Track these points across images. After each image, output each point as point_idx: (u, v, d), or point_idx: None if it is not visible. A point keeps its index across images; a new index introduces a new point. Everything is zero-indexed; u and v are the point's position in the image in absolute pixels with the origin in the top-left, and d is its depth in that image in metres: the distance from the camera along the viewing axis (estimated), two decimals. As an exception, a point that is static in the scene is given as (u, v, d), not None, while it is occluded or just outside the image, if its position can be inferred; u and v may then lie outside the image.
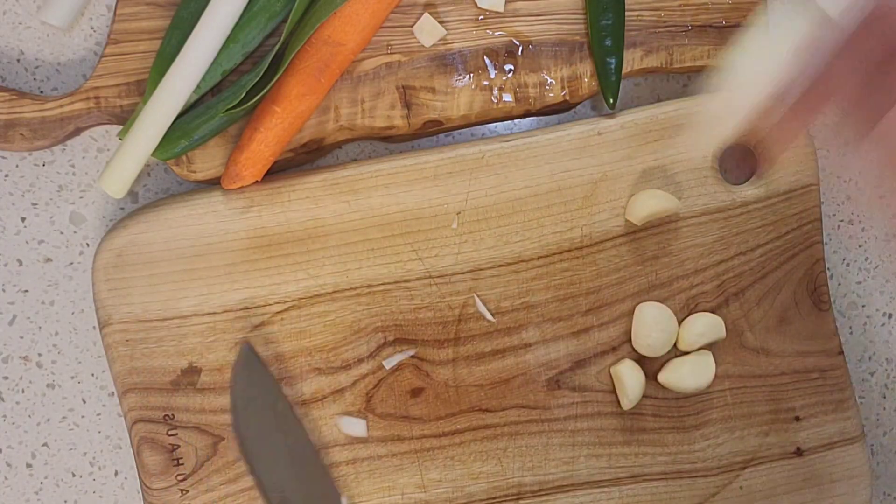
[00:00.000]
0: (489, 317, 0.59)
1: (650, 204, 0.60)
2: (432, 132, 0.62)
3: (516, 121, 0.64)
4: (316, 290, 0.59)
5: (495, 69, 0.61)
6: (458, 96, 0.61)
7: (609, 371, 0.61)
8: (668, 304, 0.61)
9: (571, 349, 0.61)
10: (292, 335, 0.59)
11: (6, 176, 0.62)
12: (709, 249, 0.62)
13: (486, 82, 0.61)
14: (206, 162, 0.59)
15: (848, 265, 0.67)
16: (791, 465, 0.62)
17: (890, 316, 0.68)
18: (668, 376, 0.60)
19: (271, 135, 0.57)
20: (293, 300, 0.59)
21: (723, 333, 0.61)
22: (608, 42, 0.60)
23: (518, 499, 0.61)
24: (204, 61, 0.55)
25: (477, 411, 0.60)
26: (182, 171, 0.59)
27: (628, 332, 0.61)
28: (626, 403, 0.60)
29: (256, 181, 0.58)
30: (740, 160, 0.66)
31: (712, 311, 0.62)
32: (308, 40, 0.57)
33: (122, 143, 0.56)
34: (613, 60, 0.61)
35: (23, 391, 0.62)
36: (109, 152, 0.62)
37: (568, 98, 0.62)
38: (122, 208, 0.62)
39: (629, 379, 0.59)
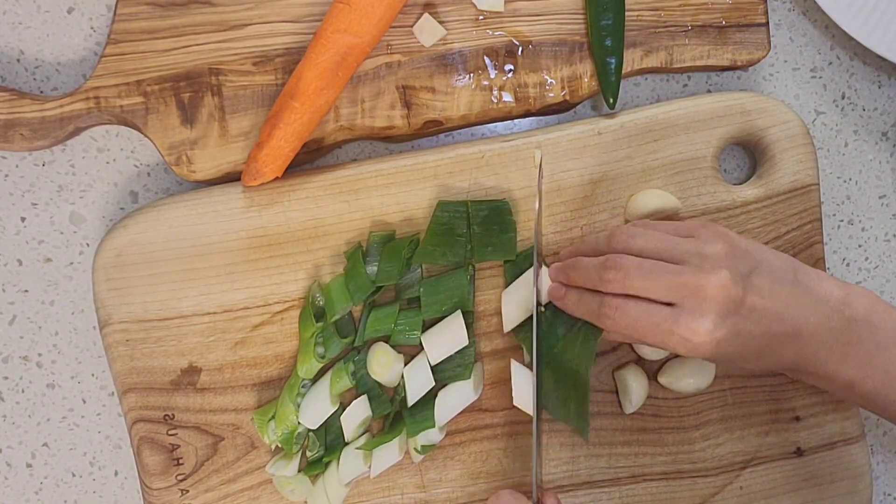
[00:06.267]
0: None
1: (650, 203, 0.60)
2: (432, 132, 0.62)
3: (516, 121, 0.64)
4: (316, 289, 0.59)
5: (495, 69, 0.61)
6: (458, 96, 0.61)
7: (610, 372, 0.61)
8: (668, 304, 0.61)
9: (571, 349, 0.61)
10: (292, 335, 0.59)
11: (6, 176, 0.62)
12: (709, 249, 0.62)
13: (486, 82, 0.61)
14: (206, 162, 0.59)
15: (848, 265, 0.67)
16: (791, 465, 0.62)
17: (890, 316, 0.68)
18: (668, 377, 0.60)
19: (290, 130, 0.57)
20: (293, 300, 0.59)
21: (723, 333, 0.61)
22: (608, 42, 0.60)
23: (518, 499, 0.61)
24: None
25: (476, 411, 0.60)
26: (182, 171, 0.59)
27: (628, 332, 0.61)
28: (629, 408, 0.60)
29: (277, 177, 0.58)
30: (740, 160, 0.66)
31: (712, 311, 0.62)
32: (324, 34, 0.57)
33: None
34: (613, 60, 0.61)
35: (23, 391, 0.62)
36: (110, 152, 0.62)
37: (568, 98, 0.62)
38: (121, 208, 0.62)
39: (635, 384, 0.59)
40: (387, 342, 0.59)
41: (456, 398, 0.58)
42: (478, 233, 0.58)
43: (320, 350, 0.57)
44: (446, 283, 0.58)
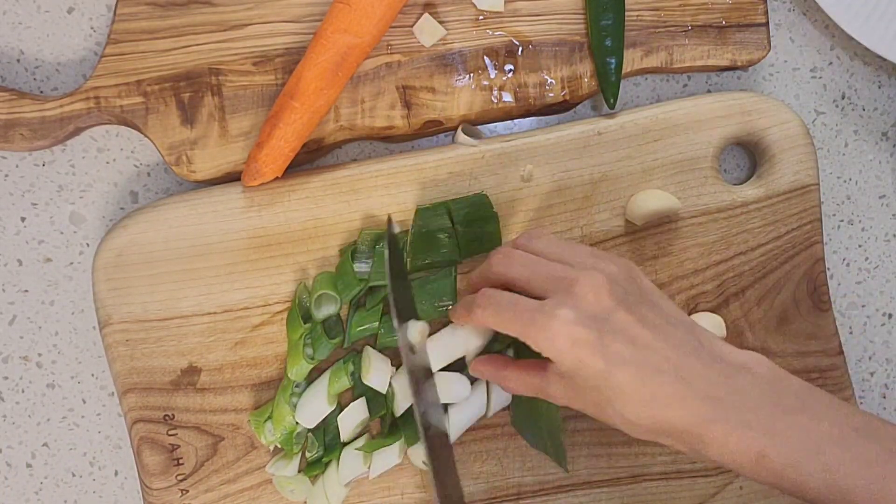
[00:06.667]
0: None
1: (650, 204, 0.60)
2: (432, 132, 0.62)
3: (516, 121, 0.64)
4: (316, 290, 0.59)
5: (495, 69, 0.61)
6: (458, 96, 0.61)
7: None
8: (668, 304, 0.61)
9: (571, 349, 0.61)
10: (292, 335, 0.59)
11: (6, 176, 0.62)
12: (709, 249, 0.62)
13: (486, 82, 0.61)
14: (206, 162, 0.59)
15: (848, 265, 0.67)
16: (791, 465, 0.62)
17: (890, 316, 0.68)
18: (668, 376, 0.60)
19: (290, 130, 0.57)
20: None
21: (723, 333, 0.61)
22: (608, 42, 0.60)
23: (518, 499, 0.61)
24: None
25: (477, 411, 0.60)
26: (182, 171, 0.59)
27: (628, 332, 0.61)
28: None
29: (277, 177, 0.58)
30: (740, 160, 0.66)
31: (712, 311, 0.62)
32: (324, 34, 0.57)
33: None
34: (613, 60, 0.61)
35: (23, 391, 0.62)
36: (109, 152, 0.62)
37: (568, 98, 0.62)
38: (121, 208, 0.62)
39: None
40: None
41: (466, 413, 0.57)
42: (462, 231, 0.58)
43: (309, 351, 0.57)
44: (430, 286, 0.58)
